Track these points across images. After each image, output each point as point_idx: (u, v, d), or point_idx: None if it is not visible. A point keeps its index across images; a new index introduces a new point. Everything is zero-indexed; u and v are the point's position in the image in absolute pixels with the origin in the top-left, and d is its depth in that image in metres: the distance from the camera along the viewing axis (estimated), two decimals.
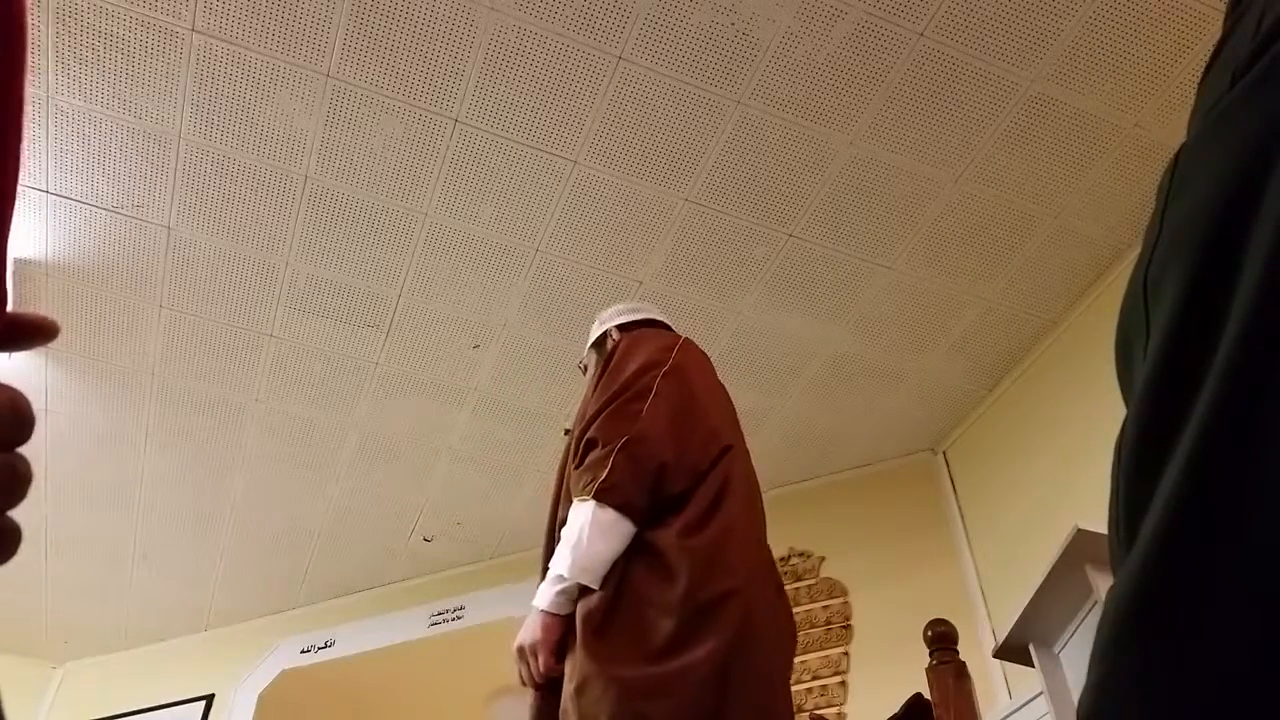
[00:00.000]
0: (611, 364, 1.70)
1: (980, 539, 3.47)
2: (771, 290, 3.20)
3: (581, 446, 1.57)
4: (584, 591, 1.46)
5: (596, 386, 1.68)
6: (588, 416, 1.61)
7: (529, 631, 1.50)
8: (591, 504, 1.46)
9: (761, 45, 2.54)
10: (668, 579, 1.41)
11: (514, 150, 2.79)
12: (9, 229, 0.35)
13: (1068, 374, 3.22)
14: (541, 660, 1.48)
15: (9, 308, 0.36)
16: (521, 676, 1.53)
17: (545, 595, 1.49)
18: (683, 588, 1.39)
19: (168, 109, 2.66)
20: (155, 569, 4.36)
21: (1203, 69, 0.47)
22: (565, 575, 1.46)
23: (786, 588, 3.99)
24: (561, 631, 1.48)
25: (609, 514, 1.45)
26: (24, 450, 0.36)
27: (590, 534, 1.45)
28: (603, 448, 1.52)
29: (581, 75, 2.60)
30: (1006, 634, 1.98)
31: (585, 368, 1.99)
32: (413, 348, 3.41)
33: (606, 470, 1.48)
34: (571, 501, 1.53)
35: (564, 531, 1.51)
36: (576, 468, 1.56)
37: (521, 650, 1.51)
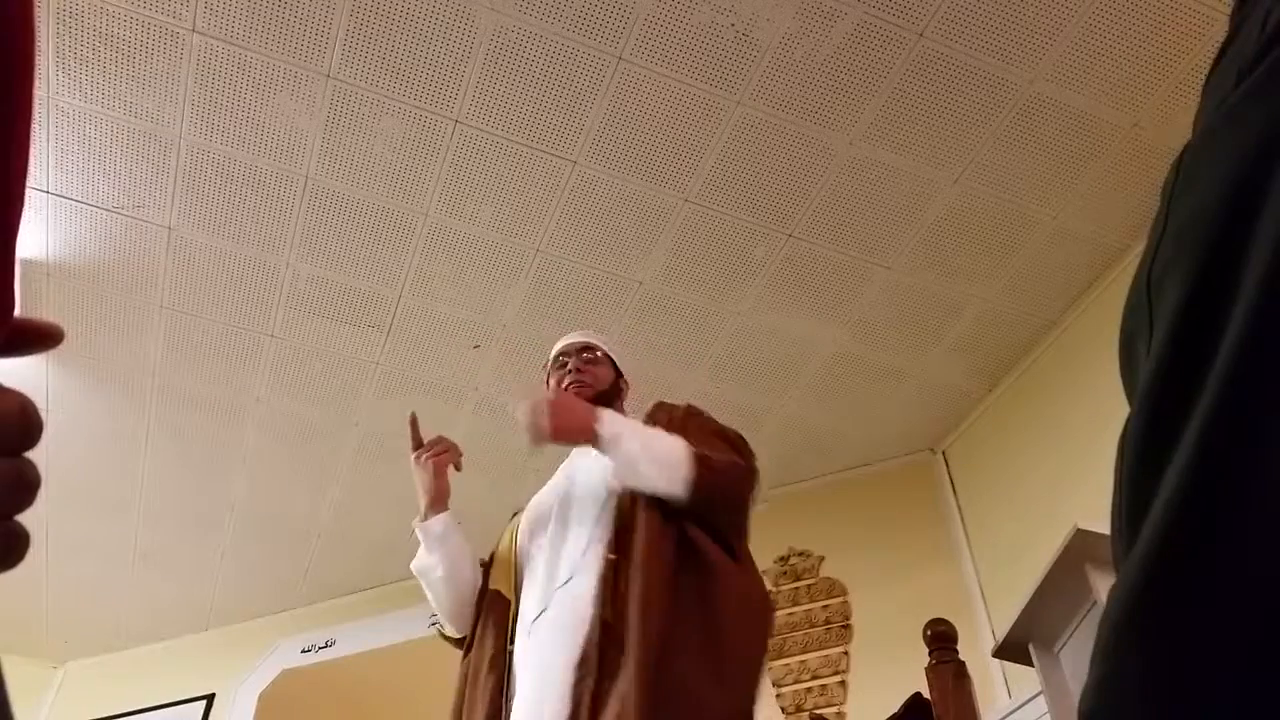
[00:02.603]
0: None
1: (980, 539, 3.47)
2: (771, 290, 3.20)
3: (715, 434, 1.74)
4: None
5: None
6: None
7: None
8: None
9: (761, 46, 2.54)
10: None
11: (514, 150, 2.78)
12: (16, 235, 0.35)
13: (1067, 374, 3.22)
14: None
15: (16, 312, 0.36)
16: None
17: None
18: None
19: (168, 109, 2.66)
20: (155, 569, 4.35)
21: (1203, 69, 0.47)
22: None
23: (786, 587, 3.99)
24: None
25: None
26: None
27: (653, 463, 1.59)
28: (744, 458, 1.69)
29: (581, 75, 2.60)
30: (1006, 634, 1.99)
31: None
32: (413, 348, 3.40)
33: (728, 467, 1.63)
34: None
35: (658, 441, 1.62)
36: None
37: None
